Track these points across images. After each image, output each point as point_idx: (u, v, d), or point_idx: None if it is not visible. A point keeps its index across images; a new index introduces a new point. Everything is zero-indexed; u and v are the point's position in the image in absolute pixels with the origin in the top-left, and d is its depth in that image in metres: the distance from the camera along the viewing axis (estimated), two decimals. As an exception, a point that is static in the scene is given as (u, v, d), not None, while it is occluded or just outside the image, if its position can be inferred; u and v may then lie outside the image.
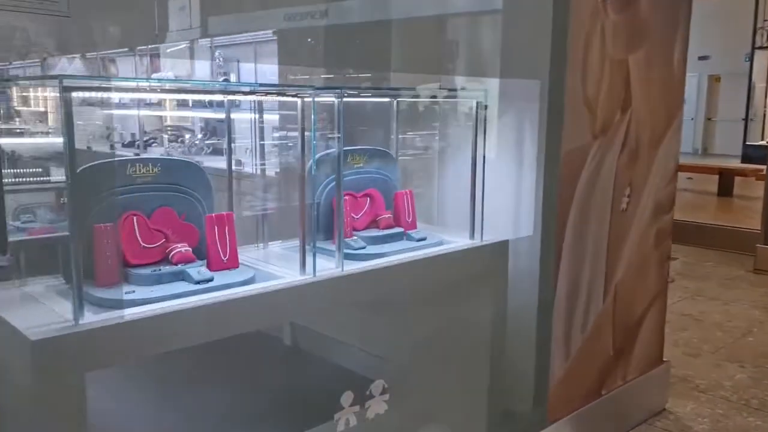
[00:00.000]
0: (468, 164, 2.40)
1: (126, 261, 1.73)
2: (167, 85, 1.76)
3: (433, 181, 2.78)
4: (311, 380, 2.48)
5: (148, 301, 1.60)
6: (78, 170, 1.70)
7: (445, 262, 2.23)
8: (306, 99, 1.82)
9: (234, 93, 2.00)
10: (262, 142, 2.45)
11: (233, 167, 3.23)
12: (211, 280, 1.74)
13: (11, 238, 1.81)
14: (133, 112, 5.61)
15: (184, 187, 1.90)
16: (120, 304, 1.58)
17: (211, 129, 5.02)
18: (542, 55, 2.35)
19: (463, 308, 2.37)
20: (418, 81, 2.81)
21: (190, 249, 1.83)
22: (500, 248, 2.39)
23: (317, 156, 2.20)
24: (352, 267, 2.01)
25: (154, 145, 5.09)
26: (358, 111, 2.68)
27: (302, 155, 1.85)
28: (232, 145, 2.27)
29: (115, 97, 2.26)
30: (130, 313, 1.51)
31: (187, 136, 4.73)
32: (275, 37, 3.93)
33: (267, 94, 1.83)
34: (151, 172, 1.83)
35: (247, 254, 2.14)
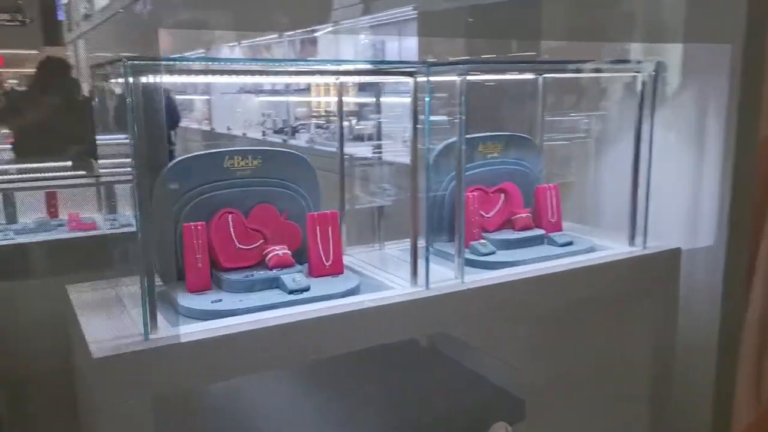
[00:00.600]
0: (631, 153, 1.96)
1: (219, 264, 1.57)
2: (259, 66, 1.55)
3: (586, 172, 2.35)
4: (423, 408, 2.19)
5: (233, 312, 1.41)
6: (170, 164, 1.57)
7: (597, 274, 1.82)
8: (420, 78, 1.52)
9: (335, 74, 1.75)
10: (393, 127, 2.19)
11: (370, 154, 3.02)
12: (306, 289, 1.52)
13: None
14: (286, 98, 5.67)
15: (288, 181, 1.69)
16: (204, 315, 1.41)
17: (359, 114, 4.89)
18: (736, 11, 1.82)
19: (620, 334, 1.94)
20: (574, 51, 2.38)
21: (289, 252, 1.62)
22: (670, 259, 1.92)
23: (444, 144, 1.89)
24: (476, 277, 1.69)
25: (302, 131, 5.08)
26: (496, 91, 2.32)
27: (413, 144, 1.55)
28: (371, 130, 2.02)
29: (191, 78, 2.10)
30: (202, 329, 1.32)
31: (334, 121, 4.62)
32: (416, 13, 3.65)
33: (373, 73, 1.56)
34: (251, 164, 1.64)
35: (359, 257, 1.90)
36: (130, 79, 1.22)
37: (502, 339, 2.15)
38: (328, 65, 1.63)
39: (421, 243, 1.62)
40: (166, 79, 1.31)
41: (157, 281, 1.59)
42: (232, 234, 1.60)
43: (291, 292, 1.50)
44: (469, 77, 1.64)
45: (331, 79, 1.88)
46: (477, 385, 2.31)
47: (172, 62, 1.33)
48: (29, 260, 2.48)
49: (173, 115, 4.11)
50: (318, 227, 1.65)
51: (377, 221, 2.05)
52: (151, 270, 1.29)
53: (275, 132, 5.46)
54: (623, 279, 1.89)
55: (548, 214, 2.01)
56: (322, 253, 1.64)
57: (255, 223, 1.64)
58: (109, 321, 1.35)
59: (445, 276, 1.68)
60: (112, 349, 1.21)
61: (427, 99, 1.52)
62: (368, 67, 1.61)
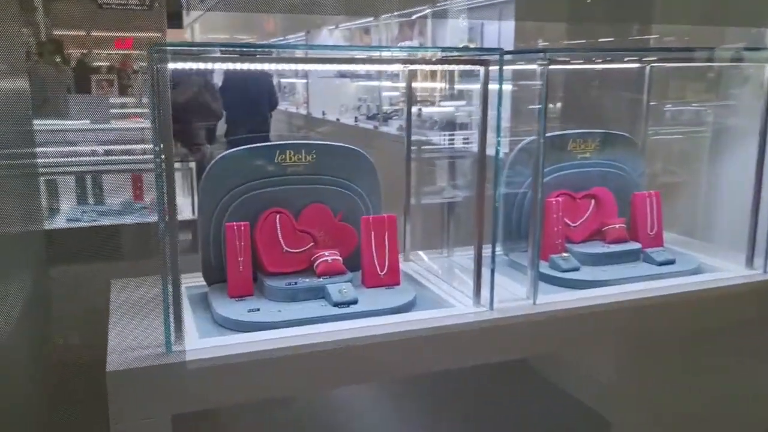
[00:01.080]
0: (754, 156, 1.65)
1: (263, 268, 1.44)
2: (326, 53, 1.40)
3: (697, 177, 2.03)
4: None
5: (269, 325, 1.28)
6: (217, 157, 1.46)
7: (704, 302, 1.54)
8: (492, 67, 1.31)
9: (388, 62, 1.56)
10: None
11: (448, 145, 2.80)
12: (353, 302, 1.36)
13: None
14: (378, 83, 5.53)
15: (344, 179, 1.54)
16: (238, 326, 1.28)
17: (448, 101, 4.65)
18: None
19: (731, 375, 1.65)
20: (698, 36, 2.06)
21: (340, 258, 1.47)
22: (797, 287, 1.60)
23: (527, 140, 1.67)
24: (553, 297, 1.46)
25: (394, 117, 4.91)
26: (594, 82, 2.05)
27: (480, 141, 1.34)
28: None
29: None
30: (230, 343, 1.20)
31: (422, 108, 4.41)
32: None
33: (443, 62, 1.36)
34: (304, 160, 1.50)
35: (423, 264, 1.72)
36: (157, 66, 1.10)
37: (580, 368, 1.90)
38: (393, 52, 1.45)
39: (497, 250, 1.41)
40: (192, 65, 1.19)
41: (200, 282, 1.50)
42: (279, 236, 1.47)
43: (336, 304, 1.35)
44: (557, 66, 1.41)
45: (399, 67, 1.71)
46: (563, 404, 2.08)
47: (193, 47, 1.20)
48: (110, 243, 2.50)
49: (272, 98, 4.09)
50: (373, 232, 1.48)
51: (446, 221, 1.86)
52: (177, 273, 1.18)
53: (368, 118, 5.34)
54: (737, 308, 1.59)
55: (647, 225, 1.73)
56: (376, 261, 1.48)
57: (305, 225, 1.50)
58: (139, 326, 1.26)
59: (516, 293, 1.47)
60: (127, 362, 1.11)
61: (498, 88, 1.30)
62: (438, 54, 1.41)
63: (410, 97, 1.73)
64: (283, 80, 6.94)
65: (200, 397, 1.14)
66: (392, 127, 4.67)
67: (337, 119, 5.57)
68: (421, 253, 1.79)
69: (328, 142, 1.55)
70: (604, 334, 1.46)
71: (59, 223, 2.53)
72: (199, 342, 1.21)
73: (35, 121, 2.04)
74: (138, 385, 1.09)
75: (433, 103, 4.28)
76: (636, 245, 1.69)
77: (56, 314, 1.99)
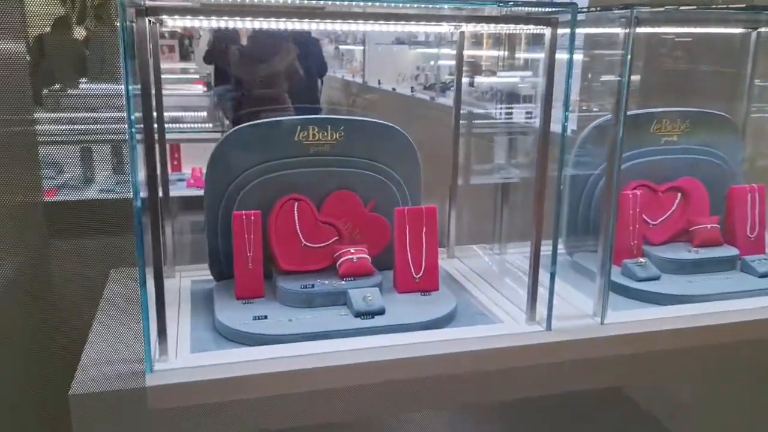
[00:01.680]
0: None
1: (277, 265, 1.23)
2: (326, 6, 1.15)
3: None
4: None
5: (275, 338, 1.06)
6: (227, 133, 1.25)
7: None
8: (561, 30, 1.03)
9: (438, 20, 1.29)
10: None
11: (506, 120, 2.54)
12: (379, 313, 1.13)
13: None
14: (437, 50, 5.21)
15: (378, 162, 1.30)
16: (239, 337, 1.08)
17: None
18: None
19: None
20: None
21: (368, 257, 1.24)
22: None
23: (599, 121, 1.39)
24: (625, 316, 1.19)
25: (452, 87, 4.59)
26: (683, 49, 1.72)
27: (543, 116, 1.07)
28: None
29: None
30: (223, 362, 0.99)
31: (475, 77, 4.07)
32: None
33: (495, 20, 1.09)
34: (330, 138, 1.27)
35: (469, 262, 1.47)
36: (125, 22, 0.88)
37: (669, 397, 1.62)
38: (439, 5, 1.18)
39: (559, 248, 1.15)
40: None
41: (205, 278, 1.31)
42: (297, 227, 1.25)
43: (358, 315, 1.13)
44: (644, 29, 1.12)
45: (451, 29, 1.44)
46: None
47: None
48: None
49: (320, 65, 3.87)
50: (408, 227, 1.24)
51: (499, 209, 1.60)
52: (159, 267, 0.98)
53: (425, 88, 5.03)
54: None
55: (746, 226, 1.42)
56: (411, 262, 1.24)
57: (329, 215, 1.27)
58: (124, 331, 1.07)
59: (580, 307, 1.20)
60: (94, 383, 0.92)
61: (568, 57, 1.03)
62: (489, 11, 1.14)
63: (460, 62, 1.47)
64: (341, 47, 6.69)
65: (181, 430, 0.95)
66: (450, 98, 4.36)
67: (393, 89, 5.30)
68: (473, 247, 1.54)
69: (360, 118, 1.31)
70: (690, 365, 1.18)
71: (92, 194, 2.39)
72: (190, 358, 1.01)
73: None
74: (104, 414, 0.90)
75: (493, 73, 3.94)
76: (732, 251, 1.39)
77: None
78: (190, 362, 0.99)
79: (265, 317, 1.12)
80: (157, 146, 0.95)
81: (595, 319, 1.16)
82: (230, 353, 1.02)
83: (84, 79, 2.15)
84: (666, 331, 1.14)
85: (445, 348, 1.05)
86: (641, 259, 1.33)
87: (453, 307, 1.18)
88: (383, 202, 1.30)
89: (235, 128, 1.23)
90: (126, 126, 0.89)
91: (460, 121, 1.50)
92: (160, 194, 1.00)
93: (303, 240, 1.25)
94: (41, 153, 1.56)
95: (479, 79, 3.97)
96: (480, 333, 1.11)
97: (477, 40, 4.08)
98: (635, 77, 2.02)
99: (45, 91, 2.12)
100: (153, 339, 0.98)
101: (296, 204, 1.24)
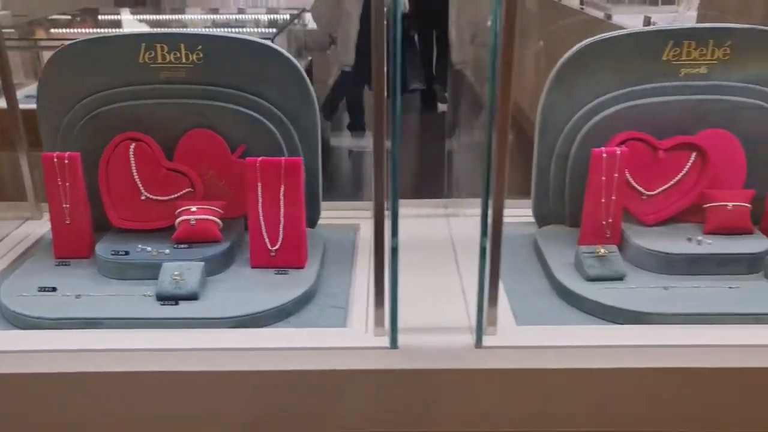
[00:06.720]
0: None
1: (110, 219, 0.99)
2: None
3: None
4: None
5: (50, 322, 0.84)
6: (54, 52, 0.99)
7: None
8: None
9: None
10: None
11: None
12: (190, 298, 0.86)
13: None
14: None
15: (252, 94, 0.99)
16: (17, 321, 0.86)
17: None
18: None
19: None
20: None
21: (218, 219, 0.95)
22: None
23: (585, 43, 0.96)
24: (530, 336, 0.81)
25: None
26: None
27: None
28: None
29: None
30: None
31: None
32: None
33: None
34: (185, 60, 0.97)
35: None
36: None
37: None
38: None
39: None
40: None
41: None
42: (135, 176, 0.99)
43: (160, 298, 0.86)
44: None
45: None
46: None
47: None
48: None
49: None
50: (260, 184, 0.93)
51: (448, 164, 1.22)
52: None
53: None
54: None
55: (796, 209, 0.93)
56: (265, 230, 0.94)
57: (183, 161, 1.00)
58: None
59: (471, 316, 0.84)
60: None
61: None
62: None
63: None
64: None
65: None
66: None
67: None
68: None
69: (224, 34, 0.99)
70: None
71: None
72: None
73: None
74: None
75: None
76: (760, 244, 0.92)
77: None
78: None
79: (54, 289, 0.89)
80: None
81: (467, 337, 0.79)
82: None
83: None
84: (581, 374, 0.75)
85: (223, 364, 0.76)
86: (600, 249, 0.91)
87: (295, 297, 0.87)
88: (258, 146, 0.99)
89: (65, 46, 0.98)
90: None
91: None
92: None
93: (143, 190, 0.99)
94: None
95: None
96: (291, 342, 0.80)
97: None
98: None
99: None
100: None
101: (133, 145, 0.98)
